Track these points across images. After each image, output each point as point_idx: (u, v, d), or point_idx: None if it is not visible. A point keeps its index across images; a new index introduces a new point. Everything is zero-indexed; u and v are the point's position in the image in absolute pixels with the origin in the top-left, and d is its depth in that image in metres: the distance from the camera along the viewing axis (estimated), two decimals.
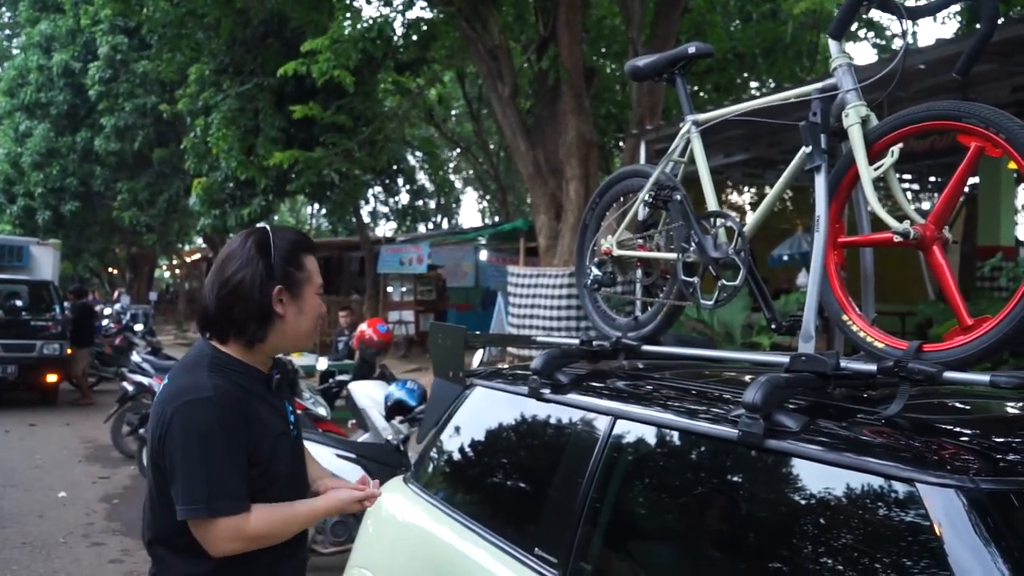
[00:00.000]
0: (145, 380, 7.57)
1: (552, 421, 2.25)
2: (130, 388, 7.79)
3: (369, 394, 5.68)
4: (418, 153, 26.62)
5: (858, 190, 1.78)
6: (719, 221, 2.06)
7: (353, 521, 4.80)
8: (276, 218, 31.64)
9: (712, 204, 2.11)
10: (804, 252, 10.55)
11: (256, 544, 1.67)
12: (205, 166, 14.90)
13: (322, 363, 7.96)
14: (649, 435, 1.87)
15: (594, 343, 2.33)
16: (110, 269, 35.81)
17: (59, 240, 15.03)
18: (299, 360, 7.56)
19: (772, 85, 14.89)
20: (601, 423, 1.99)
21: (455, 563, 2.24)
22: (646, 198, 2.24)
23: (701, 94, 15.91)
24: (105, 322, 15.56)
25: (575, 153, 10.92)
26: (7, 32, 30.20)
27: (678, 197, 2.11)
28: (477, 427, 2.61)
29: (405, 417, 5.44)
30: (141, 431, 6.88)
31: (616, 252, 2.36)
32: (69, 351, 11.30)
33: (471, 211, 47.05)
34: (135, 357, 9.26)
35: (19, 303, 11.97)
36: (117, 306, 17.34)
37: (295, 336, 1.79)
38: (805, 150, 1.77)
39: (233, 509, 1.63)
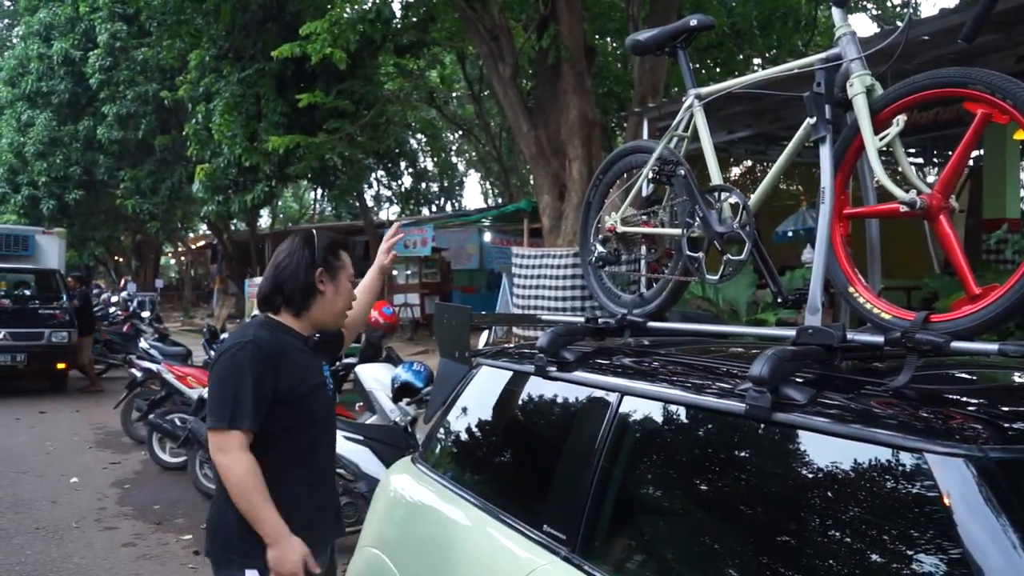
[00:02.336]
0: (153, 366, 7.59)
1: (558, 399, 2.25)
2: (138, 374, 7.82)
3: (376, 376, 5.70)
4: (420, 136, 26.54)
5: (863, 161, 1.76)
6: (724, 196, 2.04)
7: (362, 503, 4.83)
8: (280, 203, 31.69)
9: (716, 178, 2.09)
10: (809, 228, 10.49)
11: (224, 471, 2.04)
12: (207, 152, 14.87)
13: None
14: (656, 411, 1.87)
15: (599, 320, 2.32)
16: (116, 257, 35.87)
17: (64, 229, 15.03)
18: None
19: (774, 56, 14.78)
20: (608, 400, 1.99)
21: (465, 541, 2.25)
22: (650, 174, 2.23)
23: (701, 71, 15.79)
24: (112, 309, 15.61)
25: (577, 133, 10.86)
26: (7, 21, 30.12)
27: (682, 172, 2.10)
28: (484, 406, 2.61)
29: (412, 399, 5.46)
30: (151, 417, 6.92)
31: (620, 229, 2.35)
32: (76, 339, 11.35)
33: (474, 193, 47.02)
34: (143, 343, 9.29)
35: (26, 292, 12.02)
36: (124, 294, 17.37)
37: (332, 311, 2.26)
38: (809, 121, 1.75)
39: (247, 426, 2.03)
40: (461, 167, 32.24)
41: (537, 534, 2.00)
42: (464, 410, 2.66)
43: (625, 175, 2.44)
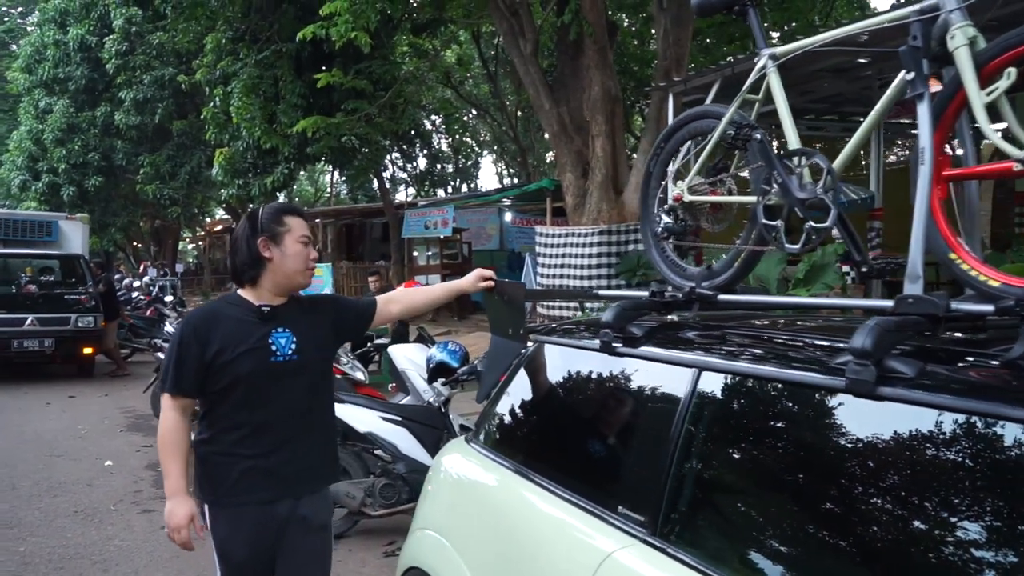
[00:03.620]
0: None
1: (626, 376, 2.17)
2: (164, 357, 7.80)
3: (409, 357, 5.64)
4: (434, 117, 26.36)
5: (962, 119, 1.66)
6: (804, 160, 1.94)
7: (401, 483, 4.79)
8: (296, 187, 31.65)
9: (794, 142, 1.99)
10: (843, 202, 10.25)
11: (161, 423, 2.36)
12: (226, 136, 14.82)
13: None
14: (739, 388, 1.79)
15: (666, 294, 2.24)
16: (134, 243, 36.04)
17: (86, 214, 15.06)
18: None
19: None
20: (684, 376, 1.91)
21: (531, 524, 2.19)
22: (722, 139, 2.13)
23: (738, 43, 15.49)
24: (135, 294, 15.67)
25: (600, 109, 10.71)
26: (21, 8, 30.13)
27: (758, 136, 2.00)
28: (543, 385, 2.54)
29: (447, 379, 5.41)
30: None
31: (688, 198, 2.25)
32: (102, 324, 11.39)
33: (489, 175, 46.81)
34: (167, 327, 9.31)
35: (52, 278, 12.06)
36: (146, 279, 17.44)
37: (284, 274, 2.43)
38: (906, 77, 1.65)
39: (169, 389, 2.36)
40: (476, 147, 32.07)
41: (612, 516, 1.92)
42: (522, 389, 2.59)
43: (690, 142, 2.34)
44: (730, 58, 10.29)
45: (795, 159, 1.97)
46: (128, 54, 18.78)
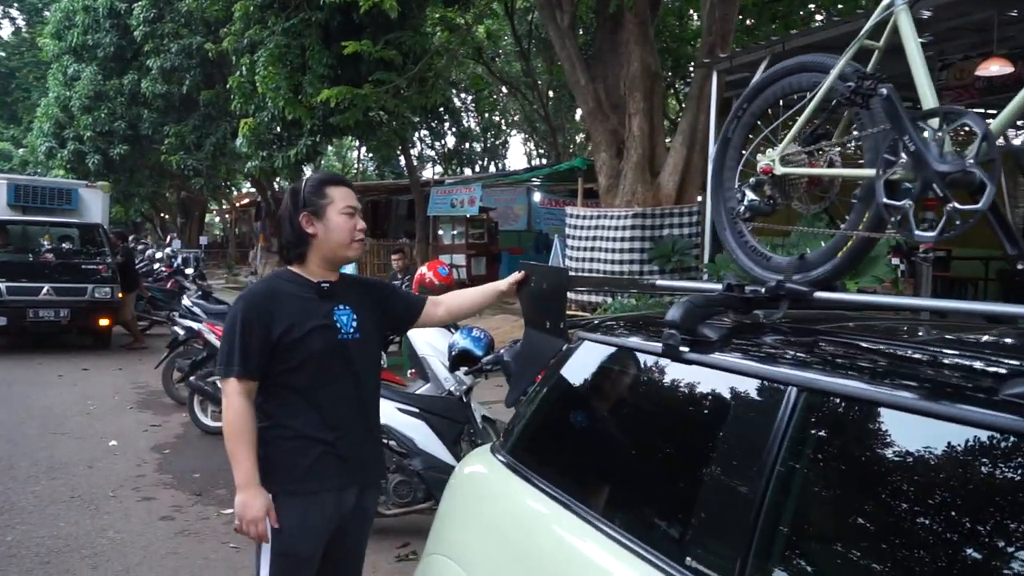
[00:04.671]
0: (195, 325, 7.26)
1: (696, 389, 1.75)
2: (180, 332, 7.50)
3: (430, 342, 5.24)
4: (463, 95, 25.86)
5: None
6: (946, 122, 1.50)
7: (417, 481, 4.42)
8: (323, 162, 31.37)
9: (931, 100, 1.55)
10: None
11: (227, 410, 2.20)
12: (252, 106, 14.48)
13: None
14: (861, 417, 1.37)
15: (746, 288, 1.81)
16: (162, 214, 36.03)
17: (108, 183, 14.81)
18: None
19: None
20: (777, 396, 1.48)
21: (570, 565, 1.78)
22: (829, 97, 1.69)
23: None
24: (156, 266, 15.45)
25: (639, 86, 10.20)
26: None
27: (884, 91, 1.55)
28: (588, 391, 2.13)
29: (471, 368, 5.01)
30: (192, 378, 6.59)
31: (780, 170, 1.81)
32: (120, 295, 11.13)
33: (517, 154, 46.19)
34: (185, 301, 8.98)
35: (70, 246, 11.82)
36: (168, 250, 17.22)
37: (330, 248, 2.32)
38: None
39: (236, 373, 2.19)
40: (505, 127, 31.55)
41: (679, 569, 1.51)
42: (561, 395, 2.18)
43: (780, 102, 1.90)
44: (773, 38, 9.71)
45: (932, 121, 1.52)
46: (156, 21, 18.49)
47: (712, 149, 9.32)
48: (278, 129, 14.62)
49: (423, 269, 5.97)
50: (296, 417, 2.25)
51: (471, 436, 5.16)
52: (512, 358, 4.88)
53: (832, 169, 1.75)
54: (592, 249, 10.43)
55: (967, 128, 1.44)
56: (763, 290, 1.80)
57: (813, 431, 1.43)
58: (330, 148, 29.49)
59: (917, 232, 1.52)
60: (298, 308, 2.26)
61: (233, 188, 31.82)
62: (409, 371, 6.00)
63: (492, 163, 30.41)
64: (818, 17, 16.28)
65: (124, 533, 4.36)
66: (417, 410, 4.57)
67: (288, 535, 2.22)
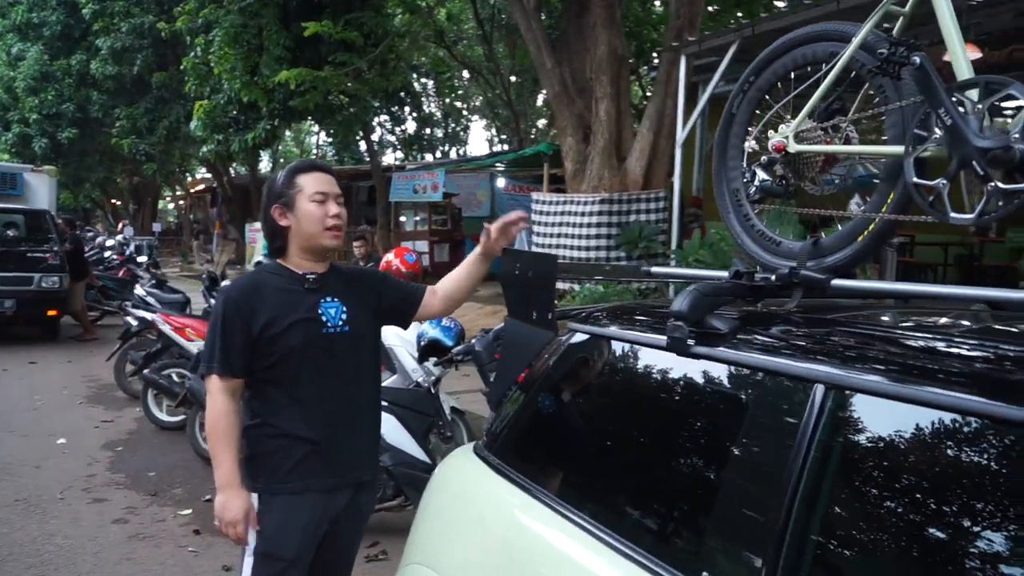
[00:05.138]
0: (149, 315, 6.96)
1: (705, 386, 1.60)
2: (133, 323, 7.19)
3: (397, 332, 5.04)
4: (424, 80, 25.47)
5: None
6: (986, 94, 1.36)
7: (386, 478, 4.24)
8: (280, 147, 30.75)
9: (967, 70, 1.41)
10: (858, 176, 9.71)
11: (209, 408, 2.15)
12: (207, 88, 14.06)
13: None
14: (900, 420, 1.22)
15: (756, 276, 1.67)
16: (113, 201, 35.05)
17: (55, 167, 14.24)
18: None
19: None
20: (803, 395, 1.34)
21: None
22: (849, 67, 1.54)
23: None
24: (107, 254, 14.94)
25: (606, 70, 10.07)
26: None
27: (917, 60, 1.41)
28: (582, 389, 1.97)
29: (440, 359, 4.84)
30: (146, 372, 6.30)
31: (795, 148, 1.66)
32: (68, 284, 10.69)
33: (479, 140, 45.80)
34: (138, 290, 8.67)
35: (15, 234, 11.32)
36: (119, 237, 16.67)
37: (304, 240, 2.22)
38: None
39: (218, 370, 2.13)
40: (466, 112, 31.22)
41: None
42: (552, 392, 2.02)
43: (792, 75, 1.75)
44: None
45: (971, 93, 1.38)
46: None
47: (680, 134, 9.25)
48: (234, 112, 14.21)
49: (389, 257, 5.77)
50: (279, 415, 2.17)
51: (440, 429, 5.00)
52: (483, 348, 4.73)
53: (853, 146, 1.61)
54: (559, 235, 10.30)
55: (1013, 99, 1.30)
56: (774, 277, 1.66)
57: (845, 435, 1.28)
58: (288, 133, 28.89)
59: (953, 214, 1.38)
60: (281, 301, 2.17)
61: (187, 173, 31.04)
62: None
63: (453, 149, 30.09)
64: (780, 3, 16.29)
65: (73, 539, 4.10)
66: (384, 403, 4.36)
67: (271, 536, 2.15)
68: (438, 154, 28.13)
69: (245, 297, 2.17)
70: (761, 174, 1.68)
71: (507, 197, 17.39)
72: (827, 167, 1.70)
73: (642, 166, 9.92)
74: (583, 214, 9.98)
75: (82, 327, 11.30)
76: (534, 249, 10.67)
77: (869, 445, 1.28)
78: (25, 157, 20.67)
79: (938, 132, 1.39)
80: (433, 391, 4.69)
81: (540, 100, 24.10)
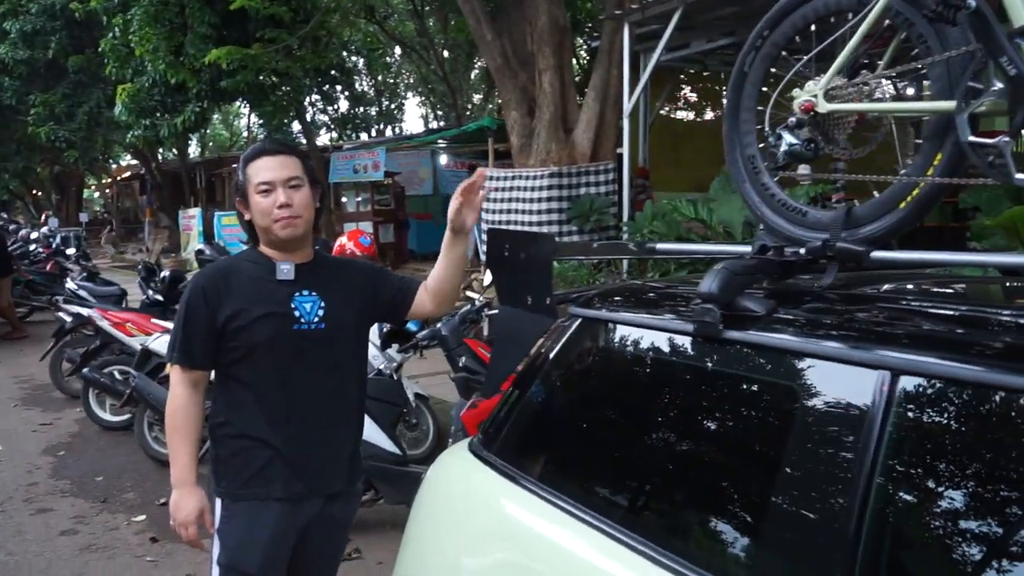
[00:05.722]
0: (84, 311, 6.58)
1: (739, 375, 1.47)
2: (68, 319, 6.80)
3: None
4: (355, 58, 24.84)
5: None
6: None
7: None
8: (208, 131, 29.69)
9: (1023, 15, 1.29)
10: None
11: (169, 400, 2.05)
12: (128, 71, 13.38)
13: None
14: (984, 405, 1.11)
15: (786, 250, 1.54)
16: (34, 191, 33.48)
17: None
18: None
19: None
20: (865, 384, 1.21)
21: None
22: (885, 15, 1.41)
23: None
24: (33, 247, 14.19)
25: (548, 41, 9.88)
26: None
27: (972, 3, 1.28)
28: (591, 379, 1.83)
29: (404, 345, 4.66)
30: (85, 371, 5.94)
31: (825, 107, 1.53)
32: None
33: (414, 117, 45.02)
34: (70, 284, 8.23)
35: None
36: (44, 229, 15.86)
37: (262, 233, 2.08)
38: None
39: (177, 360, 2.03)
40: (401, 89, 30.61)
41: None
42: (558, 384, 1.87)
43: (813, 27, 1.61)
44: None
45: None
46: None
47: (627, 104, 9.14)
48: (160, 95, 13.56)
49: (343, 240, 5.52)
50: (242, 414, 2.05)
51: (406, 418, 4.83)
52: (450, 332, 4.56)
53: (896, 103, 1.48)
54: (509, 211, 10.13)
55: None
56: (803, 251, 1.54)
57: (920, 425, 1.16)
58: (216, 116, 27.88)
59: (1018, 175, 1.27)
60: (251, 292, 2.03)
61: (112, 160, 29.78)
62: None
63: (389, 127, 29.50)
64: None
65: (18, 555, 3.81)
66: None
67: (233, 547, 2.03)
68: (373, 133, 27.55)
69: (214, 284, 2.04)
70: (788, 137, 1.55)
71: (450, 174, 17.11)
72: (859, 128, 1.58)
73: (589, 138, 9.80)
74: (533, 188, 9.83)
75: (10, 325, 10.69)
76: (484, 225, 10.48)
77: (943, 435, 1.16)
78: None
79: (997, 85, 1.27)
80: (395, 377, 4.52)
81: (474, 75, 23.76)
